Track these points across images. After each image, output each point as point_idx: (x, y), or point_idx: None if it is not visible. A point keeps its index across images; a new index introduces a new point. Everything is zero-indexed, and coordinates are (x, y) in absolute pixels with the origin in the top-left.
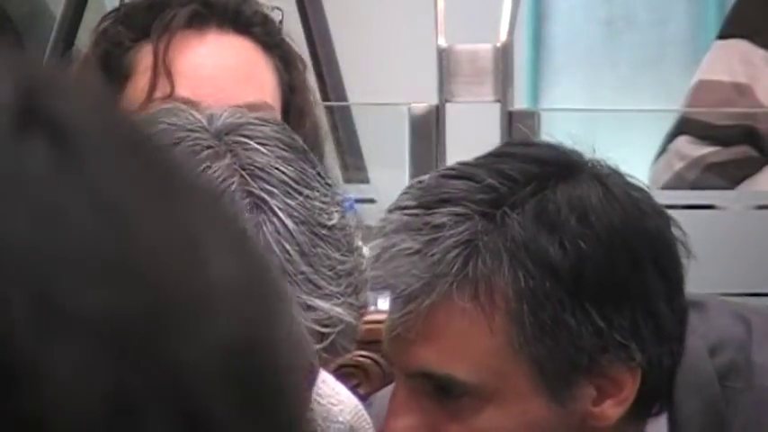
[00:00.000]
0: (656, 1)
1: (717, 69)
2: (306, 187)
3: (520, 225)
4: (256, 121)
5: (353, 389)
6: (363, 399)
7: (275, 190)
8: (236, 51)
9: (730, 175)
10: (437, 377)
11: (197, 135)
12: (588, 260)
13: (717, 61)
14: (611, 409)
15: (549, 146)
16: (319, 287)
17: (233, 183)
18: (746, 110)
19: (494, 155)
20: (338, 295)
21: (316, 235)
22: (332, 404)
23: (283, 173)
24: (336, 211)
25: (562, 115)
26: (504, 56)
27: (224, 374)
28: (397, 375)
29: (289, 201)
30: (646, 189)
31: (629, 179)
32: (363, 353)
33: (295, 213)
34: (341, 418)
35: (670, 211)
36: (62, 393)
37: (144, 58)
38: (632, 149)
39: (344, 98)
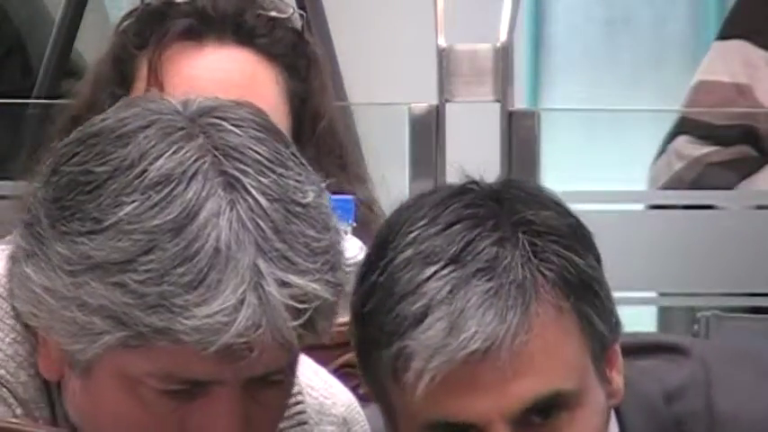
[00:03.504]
0: (656, 1)
1: (717, 70)
2: (280, 166)
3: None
4: (231, 104)
5: (354, 389)
6: (363, 399)
7: (249, 169)
8: (234, 64)
9: (730, 175)
10: (544, 399)
11: (170, 117)
12: (596, 264)
13: (717, 62)
14: (618, 378)
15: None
16: (294, 263)
17: (205, 162)
18: (746, 110)
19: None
20: (314, 272)
21: (290, 212)
22: (324, 397)
23: (257, 152)
24: (311, 191)
25: (562, 115)
26: (504, 56)
27: None
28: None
29: (262, 179)
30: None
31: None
32: None
33: (269, 191)
34: (334, 411)
35: (670, 212)
36: None
37: (142, 67)
38: (632, 149)
39: (344, 98)
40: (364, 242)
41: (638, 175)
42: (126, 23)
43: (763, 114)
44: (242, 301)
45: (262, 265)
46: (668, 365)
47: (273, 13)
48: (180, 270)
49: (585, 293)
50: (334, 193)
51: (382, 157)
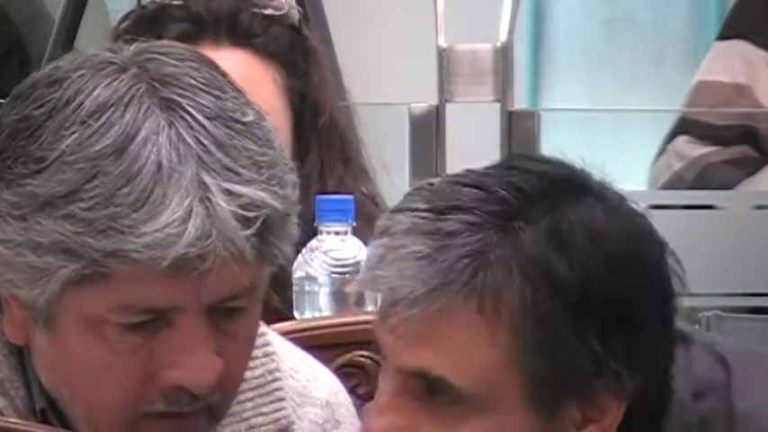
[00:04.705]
0: (656, 1)
1: (717, 70)
2: (216, 89)
3: (532, 241)
4: (165, 42)
5: (353, 389)
6: (363, 399)
7: (185, 92)
8: (230, 67)
9: (730, 175)
10: (431, 379)
11: (104, 55)
12: (595, 283)
13: (717, 62)
14: None
15: (559, 164)
16: (239, 174)
17: (140, 88)
18: (746, 110)
19: (503, 167)
20: (260, 182)
21: (231, 129)
22: (308, 380)
23: (192, 77)
24: (251, 112)
25: (562, 115)
26: (504, 56)
27: None
28: (388, 371)
29: (200, 100)
30: (645, 215)
31: (631, 204)
32: (363, 353)
33: (207, 110)
34: (317, 394)
35: (670, 211)
36: None
37: None
38: (632, 149)
39: (345, 98)
40: (369, 237)
41: (638, 175)
42: (123, 25)
43: (763, 114)
44: (189, 213)
45: (206, 177)
46: (686, 355)
47: (269, 11)
48: (125, 190)
49: (539, 325)
50: (336, 192)
51: (382, 157)
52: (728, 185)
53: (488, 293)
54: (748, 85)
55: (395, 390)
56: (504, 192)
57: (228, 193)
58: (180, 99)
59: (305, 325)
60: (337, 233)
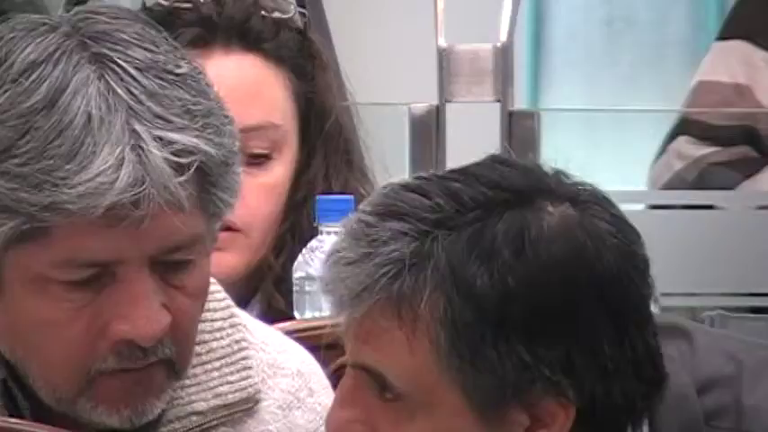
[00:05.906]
0: (656, 1)
1: (717, 70)
2: (149, 43)
3: (449, 251)
4: (100, 4)
5: None
6: None
7: (116, 46)
8: (241, 71)
9: (730, 176)
10: (376, 375)
11: (38, 19)
12: (517, 294)
13: (717, 62)
14: None
15: (526, 170)
16: (171, 122)
17: (70, 44)
18: (746, 110)
19: (460, 171)
20: (193, 129)
21: (163, 80)
22: (278, 352)
23: (124, 32)
24: (185, 64)
25: (562, 115)
26: (504, 56)
27: None
28: (348, 366)
29: (131, 53)
30: (632, 229)
31: (604, 211)
32: None
33: (138, 62)
34: (287, 365)
35: (670, 212)
36: None
37: None
38: (632, 149)
39: (346, 98)
40: None
41: (638, 175)
42: None
43: (763, 115)
44: (121, 161)
45: (137, 125)
46: (689, 352)
47: (276, 14)
48: (56, 143)
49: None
50: (339, 192)
51: (382, 156)
52: (729, 186)
53: (405, 302)
54: (748, 86)
55: (353, 383)
56: (440, 199)
57: (160, 140)
58: (110, 53)
59: (305, 325)
60: (337, 233)
